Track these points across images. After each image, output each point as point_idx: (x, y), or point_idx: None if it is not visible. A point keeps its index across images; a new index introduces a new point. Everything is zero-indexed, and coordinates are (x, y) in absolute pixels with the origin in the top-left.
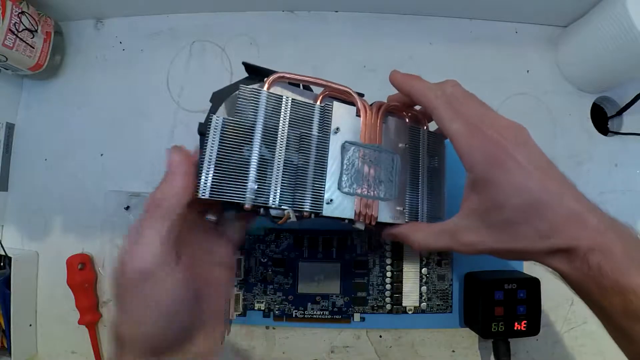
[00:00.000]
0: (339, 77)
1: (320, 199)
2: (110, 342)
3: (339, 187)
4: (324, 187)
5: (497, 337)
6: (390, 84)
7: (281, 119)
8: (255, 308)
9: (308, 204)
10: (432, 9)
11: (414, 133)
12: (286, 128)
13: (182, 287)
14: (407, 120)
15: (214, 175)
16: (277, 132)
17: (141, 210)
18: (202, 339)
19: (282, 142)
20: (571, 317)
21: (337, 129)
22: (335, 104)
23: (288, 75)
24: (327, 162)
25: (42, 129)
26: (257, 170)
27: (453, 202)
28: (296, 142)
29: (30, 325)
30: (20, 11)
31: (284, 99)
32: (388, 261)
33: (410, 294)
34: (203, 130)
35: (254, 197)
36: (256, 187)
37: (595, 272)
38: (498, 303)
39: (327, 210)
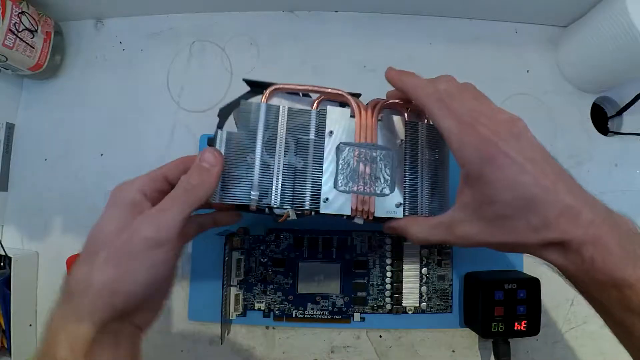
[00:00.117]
0: (339, 77)
1: (317, 198)
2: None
3: (335, 186)
4: (321, 187)
5: (497, 337)
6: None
7: (279, 126)
8: (255, 308)
9: (307, 203)
10: (432, 9)
11: (413, 127)
12: (284, 135)
13: (174, 263)
14: (406, 115)
15: (222, 182)
16: (276, 139)
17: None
18: (149, 312)
19: (281, 147)
20: (571, 317)
21: (331, 132)
22: (329, 107)
23: (283, 86)
24: (323, 164)
25: (42, 129)
26: (260, 174)
27: None
28: (295, 147)
29: (30, 325)
30: (20, 11)
31: (280, 109)
32: (388, 261)
33: (410, 294)
34: (212, 144)
35: (257, 198)
36: (258, 193)
37: (589, 266)
38: (498, 303)
39: (324, 208)
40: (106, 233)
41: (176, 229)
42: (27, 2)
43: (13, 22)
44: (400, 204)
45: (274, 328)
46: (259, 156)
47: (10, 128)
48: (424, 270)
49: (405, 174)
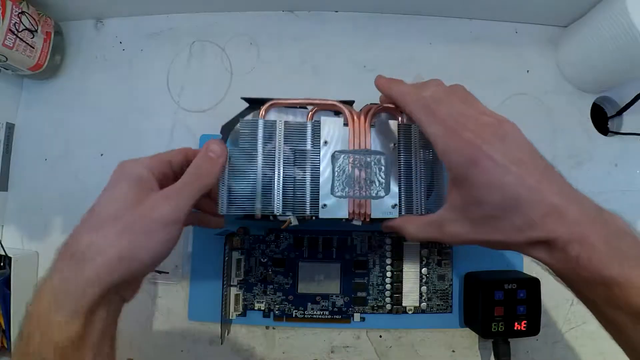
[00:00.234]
0: (339, 77)
1: (316, 204)
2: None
3: (332, 193)
4: (319, 194)
5: (497, 337)
6: None
7: (277, 139)
8: (255, 308)
9: (307, 209)
10: (431, 9)
11: (406, 129)
12: (282, 147)
13: (174, 243)
14: (399, 118)
15: (228, 196)
16: (275, 151)
17: None
18: (136, 285)
19: (279, 159)
20: (571, 317)
21: (325, 141)
22: (323, 118)
23: (279, 102)
24: (320, 172)
25: (42, 129)
26: (263, 186)
27: None
28: (293, 158)
29: None
30: (20, 11)
31: (277, 123)
32: (388, 261)
33: (410, 294)
34: None
35: (261, 207)
36: (262, 204)
37: (575, 264)
38: (498, 303)
39: (322, 214)
40: (118, 205)
41: (187, 211)
42: (27, 2)
43: (13, 22)
44: (396, 204)
45: (274, 328)
46: (260, 169)
47: (10, 128)
48: (424, 270)
49: (400, 176)
